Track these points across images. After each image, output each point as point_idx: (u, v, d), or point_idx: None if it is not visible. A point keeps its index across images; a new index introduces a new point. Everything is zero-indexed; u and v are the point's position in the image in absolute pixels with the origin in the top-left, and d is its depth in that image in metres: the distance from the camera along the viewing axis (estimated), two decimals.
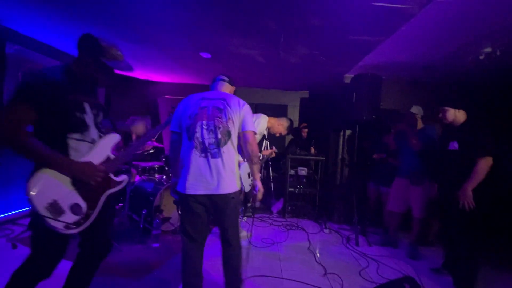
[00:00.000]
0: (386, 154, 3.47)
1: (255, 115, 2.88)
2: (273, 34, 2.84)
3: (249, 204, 4.32)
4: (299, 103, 5.89)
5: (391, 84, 3.99)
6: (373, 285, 2.26)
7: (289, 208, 4.31)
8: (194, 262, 1.70)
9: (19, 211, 3.32)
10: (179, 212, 3.33)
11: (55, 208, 1.15)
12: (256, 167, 1.75)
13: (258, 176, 1.80)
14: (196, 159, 1.61)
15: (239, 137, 1.71)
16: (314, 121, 5.12)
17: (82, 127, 1.29)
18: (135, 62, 4.31)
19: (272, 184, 4.49)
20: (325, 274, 2.46)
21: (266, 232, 3.49)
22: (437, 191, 2.56)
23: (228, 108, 1.66)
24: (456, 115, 2.34)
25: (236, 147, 1.70)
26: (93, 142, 1.34)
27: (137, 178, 3.43)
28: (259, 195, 1.82)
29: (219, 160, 1.60)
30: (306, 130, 4.89)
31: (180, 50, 3.58)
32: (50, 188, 1.16)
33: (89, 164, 1.27)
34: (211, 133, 1.61)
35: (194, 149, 1.61)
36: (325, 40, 2.89)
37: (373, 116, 3.47)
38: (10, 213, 3.24)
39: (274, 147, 3.77)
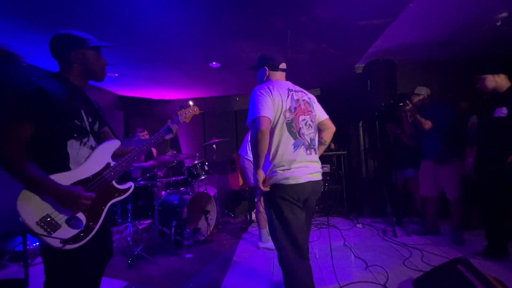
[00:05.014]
0: (400, 131, 3.42)
1: None
2: (280, 33, 2.86)
3: None
4: None
5: (406, 67, 3.88)
6: (420, 273, 2.12)
7: (317, 207, 4.20)
8: None
9: None
10: (208, 223, 3.32)
11: (49, 224, 1.06)
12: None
13: None
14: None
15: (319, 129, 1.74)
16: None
17: (81, 135, 1.22)
18: (150, 83, 4.48)
19: None
20: (367, 267, 2.34)
21: None
22: (475, 165, 2.43)
23: (312, 101, 1.71)
24: (497, 81, 2.20)
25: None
26: (92, 149, 1.26)
27: (163, 193, 3.47)
28: None
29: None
30: None
31: (190, 63, 3.68)
32: (39, 203, 1.07)
33: (73, 191, 1.10)
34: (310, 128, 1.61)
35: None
36: (332, 30, 2.87)
37: (391, 101, 3.38)
38: None
39: None
